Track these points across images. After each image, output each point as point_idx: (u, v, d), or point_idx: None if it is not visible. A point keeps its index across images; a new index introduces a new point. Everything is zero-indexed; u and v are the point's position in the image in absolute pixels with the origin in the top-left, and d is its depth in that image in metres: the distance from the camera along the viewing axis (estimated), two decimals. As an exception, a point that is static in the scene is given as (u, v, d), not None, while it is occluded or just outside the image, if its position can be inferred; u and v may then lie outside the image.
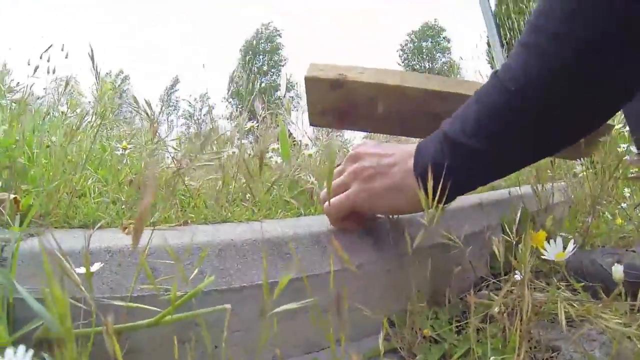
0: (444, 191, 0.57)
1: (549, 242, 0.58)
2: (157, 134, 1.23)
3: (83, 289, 0.43)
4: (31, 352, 0.28)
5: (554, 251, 0.56)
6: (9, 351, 0.29)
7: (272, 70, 30.80)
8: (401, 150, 0.66)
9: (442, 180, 0.57)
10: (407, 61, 31.01)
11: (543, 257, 0.57)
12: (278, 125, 1.34)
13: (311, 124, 0.98)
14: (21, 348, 0.29)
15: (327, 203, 0.68)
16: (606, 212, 1.22)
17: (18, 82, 1.78)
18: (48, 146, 1.21)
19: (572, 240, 0.56)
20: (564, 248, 0.56)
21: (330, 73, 0.83)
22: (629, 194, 1.33)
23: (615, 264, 0.54)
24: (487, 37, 4.64)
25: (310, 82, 0.84)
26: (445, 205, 0.62)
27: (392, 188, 0.65)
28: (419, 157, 0.64)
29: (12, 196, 0.73)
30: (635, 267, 0.68)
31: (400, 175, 0.64)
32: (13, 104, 1.54)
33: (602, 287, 0.62)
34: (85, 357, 0.42)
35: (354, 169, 0.68)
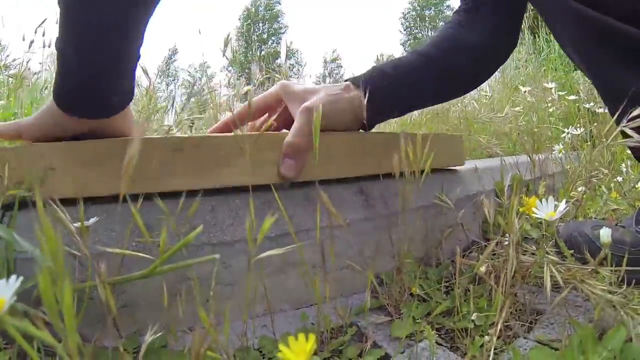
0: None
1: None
2: (154, 99, 1.23)
3: (78, 238, 0.44)
4: (21, 278, 0.30)
5: (545, 210, 0.56)
6: (1, 282, 0.30)
7: (273, 38, 30.43)
8: None
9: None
10: (408, 29, 30.59)
11: (535, 218, 0.57)
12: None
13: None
14: (12, 278, 0.30)
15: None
16: (602, 186, 1.23)
17: (14, 59, 1.77)
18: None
19: (564, 200, 0.56)
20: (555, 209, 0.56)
21: None
22: (625, 169, 1.34)
23: (603, 228, 0.54)
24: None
25: None
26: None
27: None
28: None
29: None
30: (625, 242, 0.69)
31: None
32: (10, 79, 1.53)
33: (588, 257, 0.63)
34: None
35: None
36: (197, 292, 0.47)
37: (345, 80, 0.75)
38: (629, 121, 0.62)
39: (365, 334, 0.57)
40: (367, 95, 0.68)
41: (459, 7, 0.89)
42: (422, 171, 0.59)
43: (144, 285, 0.54)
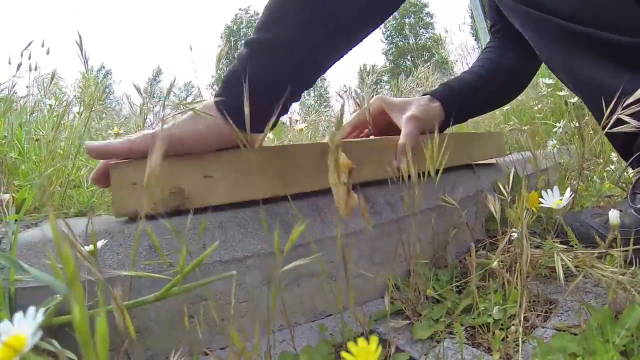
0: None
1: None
2: (147, 119, 1.23)
3: (90, 263, 0.43)
4: (42, 311, 0.29)
5: (551, 200, 0.57)
6: (18, 315, 0.29)
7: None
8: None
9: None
10: (390, 38, 30.83)
11: (537, 210, 0.58)
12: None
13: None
14: (31, 309, 0.29)
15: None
16: (594, 176, 1.24)
17: (0, 83, 1.75)
18: (37, 140, 1.20)
19: (568, 189, 0.57)
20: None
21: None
22: (615, 157, 1.35)
23: (612, 210, 0.55)
24: (471, 9, 4.63)
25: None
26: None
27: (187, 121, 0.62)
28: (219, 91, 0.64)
29: (10, 195, 0.73)
30: (625, 224, 0.70)
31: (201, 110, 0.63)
32: None
33: (598, 241, 0.63)
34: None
35: None
36: (214, 312, 0.46)
37: (424, 94, 0.93)
38: (624, 108, 0.63)
39: (387, 339, 0.56)
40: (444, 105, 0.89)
41: (489, 27, 1.13)
42: (437, 171, 0.60)
43: (156, 308, 0.54)
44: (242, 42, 0.64)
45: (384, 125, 0.92)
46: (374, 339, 0.29)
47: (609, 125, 0.65)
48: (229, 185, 0.62)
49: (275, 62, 0.63)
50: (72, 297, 0.25)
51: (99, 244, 0.49)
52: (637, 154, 0.73)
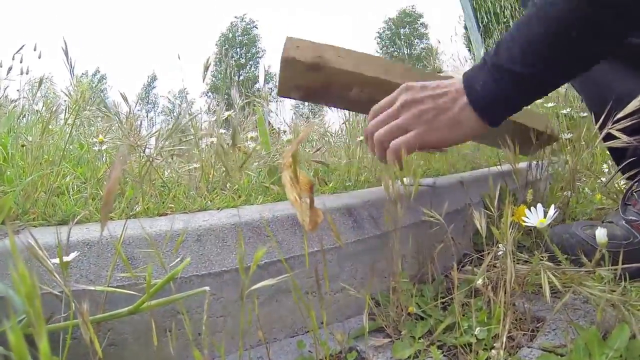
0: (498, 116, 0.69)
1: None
2: (135, 127, 1.21)
3: (57, 276, 0.42)
4: None
5: (535, 218, 0.56)
6: None
7: (250, 62, 30.57)
8: (451, 86, 0.72)
9: (495, 106, 0.68)
10: (385, 48, 30.97)
11: (526, 227, 0.57)
12: (256, 114, 1.33)
13: (279, 95, 0.96)
14: None
15: (388, 148, 0.73)
16: (586, 188, 1.23)
17: (-10, 87, 1.73)
18: (24, 145, 1.19)
19: (552, 205, 0.56)
20: (545, 215, 0.56)
21: (308, 54, 0.81)
22: (607, 169, 1.35)
23: (599, 228, 0.54)
24: (464, 21, 4.65)
25: (286, 62, 0.82)
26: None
27: (453, 124, 0.70)
28: (471, 90, 0.70)
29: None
30: (616, 236, 0.69)
31: (459, 110, 0.70)
32: None
33: (584, 259, 0.62)
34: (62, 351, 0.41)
35: (412, 113, 0.72)
36: (187, 327, 0.44)
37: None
38: (614, 123, 0.63)
39: (366, 358, 0.55)
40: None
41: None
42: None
43: (131, 321, 0.52)
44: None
45: None
46: None
47: (598, 140, 0.64)
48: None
49: (526, 94, 0.69)
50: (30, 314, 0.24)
51: (71, 256, 0.48)
52: (628, 165, 0.73)
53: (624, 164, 0.75)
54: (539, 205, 0.57)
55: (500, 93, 0.67)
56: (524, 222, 0.58)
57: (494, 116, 0.70)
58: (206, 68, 0.88)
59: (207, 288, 0.40)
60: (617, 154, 0.78)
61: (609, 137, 0.72)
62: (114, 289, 0.46)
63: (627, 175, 0.78)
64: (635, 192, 0.74)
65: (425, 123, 0.71)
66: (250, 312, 0.55)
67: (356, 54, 0.84)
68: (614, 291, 0.51)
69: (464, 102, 0.69)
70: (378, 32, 31.73)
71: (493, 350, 0.49)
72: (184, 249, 0.56)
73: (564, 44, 0.62)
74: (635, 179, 0.76)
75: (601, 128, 0.73)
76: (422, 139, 0.71)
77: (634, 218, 0.71)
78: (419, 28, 30.51)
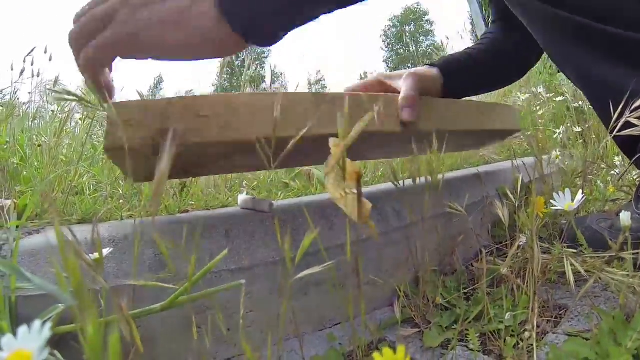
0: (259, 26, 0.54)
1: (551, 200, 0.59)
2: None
3: (95, 272, 0.42)
4: (49, 324, 0.27)
5: (563, 202, 0.56)
6: (23, 329, 0.27)
7: (256, 62, 30.59)
8: None
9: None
10: (390, 46, 30.92)
11: (547, 213, 0.57)
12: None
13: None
14: (36, 323, 0.27)
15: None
16: (598, 181, 1.23)
17: (1, 90, 1.74)
18: (40, 146, 1.20)
19: (580, 191, 0.56)
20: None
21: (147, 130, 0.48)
22: (619, 162, 1.34)
23: (623, 212, 0.54)
24: (471, 17, 4.63)
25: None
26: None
27: (179, 15, 0.51)
28: None
29: (11, 201, 0.72)
30: (631, 228, 0.69)
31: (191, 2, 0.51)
32: (0, 108, 1.51)
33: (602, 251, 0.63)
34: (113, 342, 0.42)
35: None
36: (220, 322, 0.45)
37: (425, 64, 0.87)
38: (632, 112, 0.62)
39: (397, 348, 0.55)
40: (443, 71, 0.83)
41: (493, 17, 1.05)
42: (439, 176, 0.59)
43: (161, 318, 0.53)
44: None
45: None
46: (401, 349, 0.28)
47: (617, 129, 0.64)
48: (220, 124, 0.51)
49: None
50: (80, 308, 0.24)
51: (105, 251, 0.48)
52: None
53: (637, 157, 0.75)
54: (567, 190, 0.58)
55: None
56: (553, 205, 0.58)
57: (241, 16, 0.52)
58: (223, 66, 0.89)
59: (243, 281, 0.40)
60: (627, 147, 0.77)
61: (621, 129, 0.71)
62: (151, 282, 0.46)
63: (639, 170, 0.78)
64: None
65: (137, 8, 0.50)
66: (285, 306, 0.55)
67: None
68: (635, 277, 0.52)
69: None
70: (383, 30, 31.67)
71: (526, 333, 0.49)
72: (212, 243, 0.57)
73: None
74: None
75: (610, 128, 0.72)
76: (128, 33, 0.50)
77: None
78: (424, 25, 30.42)
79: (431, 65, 0.85)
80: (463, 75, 0.89)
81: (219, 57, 0.56)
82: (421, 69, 0.82)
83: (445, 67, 0.84)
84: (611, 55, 0.68)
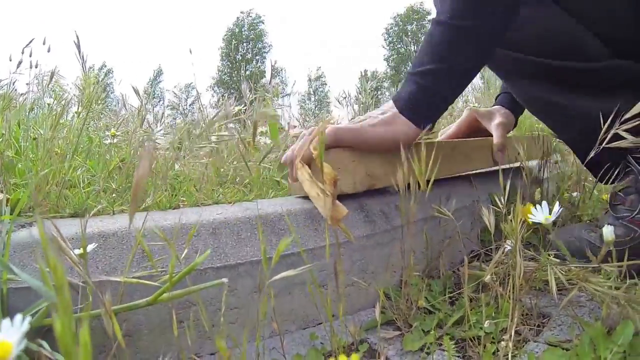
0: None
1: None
2: (146, 121, 1.22)
3: (79, 268, 0.43)
4: (28, 318, 0.28)
5: (541, 215, 0.57)
6: (5, 322, 0.29)
7: (257, 57, 30.54)
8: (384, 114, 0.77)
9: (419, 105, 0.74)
10: (392, 44, 30.89)
11: (532, 226, 0.58)
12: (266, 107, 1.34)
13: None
14: (18, 317, 0.29)
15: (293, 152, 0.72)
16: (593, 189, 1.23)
17: (0, 80, 1.74)
18: (35, 138, 1.20)
19: (557, 203, 0.57)
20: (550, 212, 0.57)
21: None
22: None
23: (605, 226, 0.55)
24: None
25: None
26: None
27: (387, 125, 0.74)
28: (397, 98, 0.76)
29: (1, 195, 0.73)
30: (617, 235, 0.69)
31: (392, 117, 0.75)
32: None
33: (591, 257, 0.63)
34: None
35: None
36: (203, 319, 0.46)
37: (495, 102, 1.18)
38: (621, 124, 0.63)
39: (377, 350, 0.56)
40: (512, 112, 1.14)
41: None
42: (428, 181, 0.60)
43: (146, 312, 0.53)
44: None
45: (474, 130, 1.15)
46: (355, 357, 0.29)
47: (606, 141, 0.65)
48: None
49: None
50: (57, 306, 0.24)
51: (90, 247, 0.49)
52: (605, 171, 0.78)
53: (602, 172, 0.79)
54: (544, 203, 0.59)
55: (418, 90, 0.74)
56: (530, 219, 0.59)
57: (421, 115, 0.74)
58: (218, 69, 0.89)
59: (225, 280, 0.41)
60: (594, 166, 0.81)
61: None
62: (136, 280, 0.47)
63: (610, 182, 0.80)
64: (619, 192, 0.75)
65: (355, 128, 0.73)
66: (265, 304, 0.56)
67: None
68: (619, 288, 0.52)
69: (394, 111, 0.75)
70: (385, 28, 31.62)
71: (502, 342, 0.50)
72: (199, 242, 0.57)
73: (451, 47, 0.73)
74: (617, 180, 0.77)
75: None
76: (343, 132, 0.71)
77: (628, 215, 0.72)
78: (427, 25, 30.33)
79: (503, 105, 1.13)
80: (521, 108, 1.14)
81: None
82: (503, 114, 1.11)
83: (513, 107, 1.13)
84: (572, 86, 0.78)
